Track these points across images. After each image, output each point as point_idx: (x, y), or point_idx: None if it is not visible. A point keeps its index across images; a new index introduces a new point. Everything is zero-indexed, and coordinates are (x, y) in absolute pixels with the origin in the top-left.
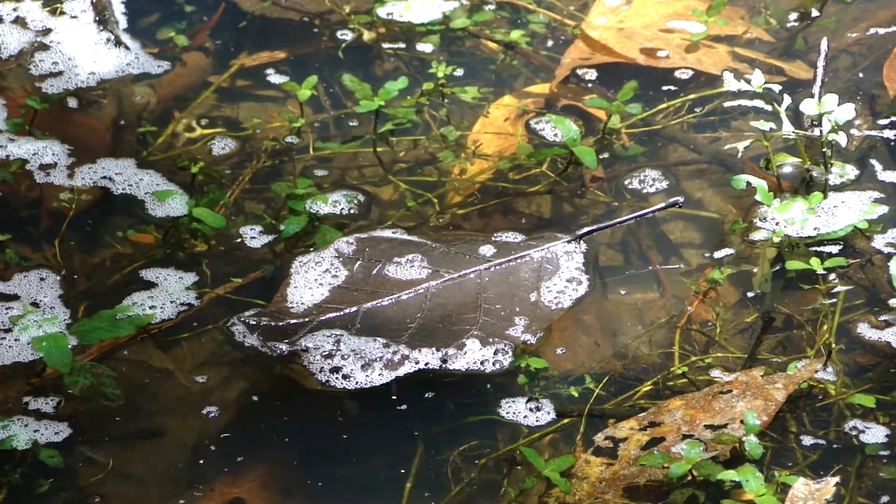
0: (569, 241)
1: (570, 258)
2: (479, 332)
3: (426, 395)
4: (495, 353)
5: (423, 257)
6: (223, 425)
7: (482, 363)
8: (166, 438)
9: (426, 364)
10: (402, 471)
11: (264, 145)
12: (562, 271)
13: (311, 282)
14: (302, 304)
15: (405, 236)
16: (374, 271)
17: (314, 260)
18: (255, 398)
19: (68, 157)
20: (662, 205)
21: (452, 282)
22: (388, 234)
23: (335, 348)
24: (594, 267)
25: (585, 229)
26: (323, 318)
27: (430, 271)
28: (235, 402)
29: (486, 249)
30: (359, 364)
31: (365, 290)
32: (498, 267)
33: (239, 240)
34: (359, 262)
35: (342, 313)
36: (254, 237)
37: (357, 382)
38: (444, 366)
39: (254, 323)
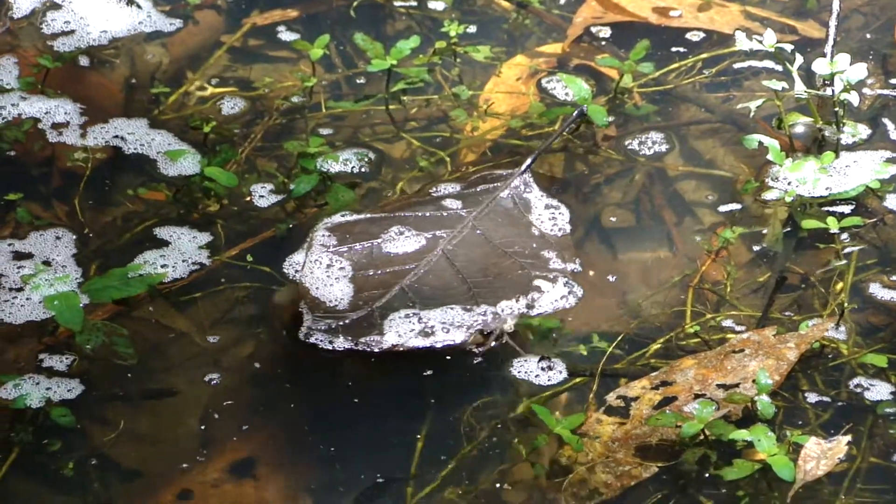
0: (521, 174)
1: (530, 189)
2: (536, 272)
3: (438, 356)
4: (566, 286)
5: (403, 227)
6: (234, 385)
7: (563, 298)
8: (177, 398)
9: (519, 311)
10: (414, 430)
11: (276, 104)
12: (534, 201)
13: (326, 280)
14: (341, 299)
15: (367, 215)
16: (374, 254)
17: (310, 260)
18: (266, 359)
19: (80, 116)
20: (572, 117)
21: (456, 239)
22: (351, 218)
23: (425, 325)
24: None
25: (529, 160)
26: (378, 304)
27: (426, 236)
28: (247, 363)
29: (452, 203)
30: (462, 331)
31: (385, 270)
32: (481, 213)
33: (249, 198)
34: (352, 249)
35: (391, 295)
36: (262, 196)
37: (475, 348)
38: (530, 311)
39: (328, 327)
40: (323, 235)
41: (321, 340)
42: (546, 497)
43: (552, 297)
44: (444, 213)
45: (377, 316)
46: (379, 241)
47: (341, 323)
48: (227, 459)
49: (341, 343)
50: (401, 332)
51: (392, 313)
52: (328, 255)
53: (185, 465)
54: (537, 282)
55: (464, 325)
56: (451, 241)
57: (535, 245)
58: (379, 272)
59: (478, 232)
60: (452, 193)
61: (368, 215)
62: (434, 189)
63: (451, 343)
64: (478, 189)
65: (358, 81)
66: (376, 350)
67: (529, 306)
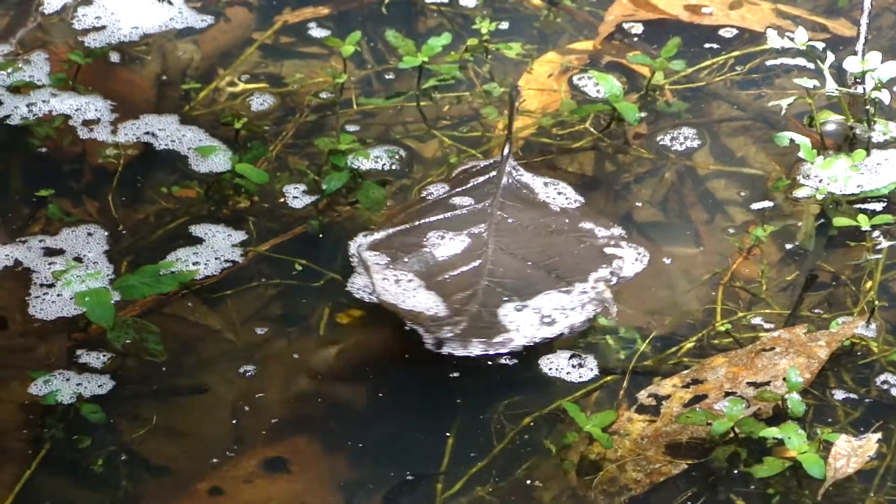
0: (505, 160)
1: (521, 172)
2: (598, 241)
3: (466, 354)
4: (631, 247)
5: (439, 231)
6: (265, 382)
7: (637, 261)
8: (208, 395)
9: (611, 280)
10: (445, 427)
11: (307, 101)
12: (532, 182)
13: (406, 294)
14: (437, 306)
15: (393, 229)
16: (431, 261)
17: (377, 280)
18: (296, 356)
19: (111, 113)
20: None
21: (495, 230)
22: (380, 235)
23: (541, 315)
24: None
25: (507, 146)
26: (477, 303)
27: (466, 234)
28: (278, 360)
29: (461, 200)
30: (578, 312)
31: (453, 273)
32: (497, 204)
33: (282, 199)
34: (408, 262)
35: (482, 292)
36: (297, 197)
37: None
38: (618, 278)
39: (452, 333)
40: (373, 255)
41: (454, 348)
42: (576, 494)
43: (629, 260)
44: (464, 211)
45: (486, 315)
46: (426, 248)
47: (459, 329)
48: (258, 456)
49: (475, 348)
50: (523, 325)
51: (498, 309)
52: (390, 272)
53: (215, 462)
54: (608, 250)
55: (576, 305)
56: (493, 234)
57: (567, 220)
58: (449, 276)
59: (509, 220)
60: (452, 192)
61: (395, 229)
62: (427, 193)
63: (575, 326)
64: (473, 184)
65: (388, 78)
66: (509, 350)
67: (615, 273)
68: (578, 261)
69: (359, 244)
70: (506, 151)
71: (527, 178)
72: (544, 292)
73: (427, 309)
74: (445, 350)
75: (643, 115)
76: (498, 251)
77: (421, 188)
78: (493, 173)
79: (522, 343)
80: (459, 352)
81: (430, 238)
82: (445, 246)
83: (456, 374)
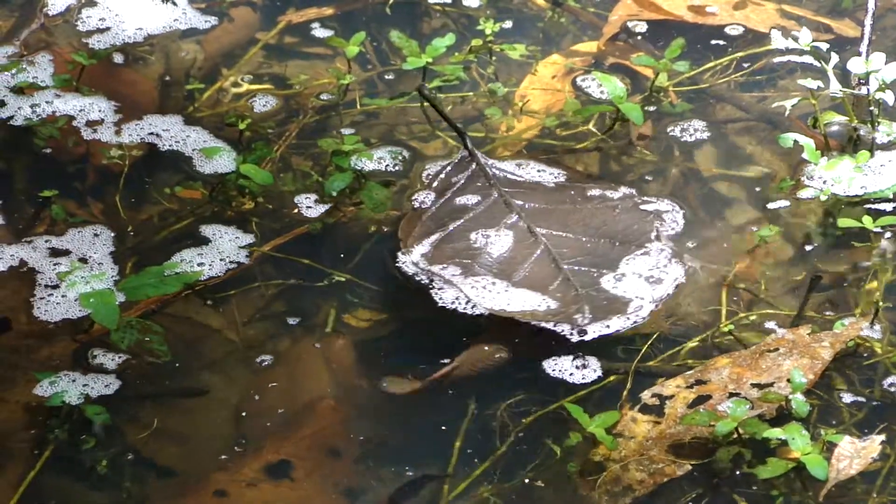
0: (470, 157)
1: (495, 162)
2: (639, 212)
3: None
4: (668, 215)
5: (479, 230)
6: (269, 384)
7: (676, 224)
8: (212, 396)
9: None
10: (451, 428)
11: (311, 101)
12: (513, 169)
13: (506, 297)
14: (545, 302)
15: (433, 238)
16: (497, 259)
17: (467, 291)
18: (301, 357)
19: (115, 114)
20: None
21: (530, 219)
22: (424, 248)
23: (641, 276)
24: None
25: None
26: (583, 288)
27: (505, 227)
28: (282, 361)
29: (467, 200)
30: (671, 280)
31: (528, 266)
32: (505, 195)
33: (295, 209)
34: (475, 267)
35: (574, 276)
36: (310, 206)
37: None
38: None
39: (588, 318)
40: (442, 268)
41: (597, 330)
42: (580, 494)
43: (675, 226)
44: (480, 207)
45: (595, 293)
46: (480, 248)
47: (587, 313)
48: (262, 460)
49: (615, 323)
50: (638, 291)
51: (600, 284)
52: (471, 280)
53: (219, 464)
54: (643, 207)
55: (664, 262)
56: (530, 221)
57: (574, 192)
58: (525, 270)
59: (528, 205)
60: (449, 195)
61: (433, 238)
62: (420, 202)
63: (679, 279)
64: (459, 182)
65: (392, 79)
66: (646, 314)
67: (669, 226)
68: (636, 235)
69: (415, 261)
70: (469, 144)
71: (505, 165)
72: (624, 259)
73: (538, 306)
74: (590, 335)
75: (650, 110)
76: (550, 235)
77: (409, 198)
78: (470, 169)
79: (652, 306)
80: (604, 332)
81: (475, 239)
82: (495, 244)
83: (462, 375)
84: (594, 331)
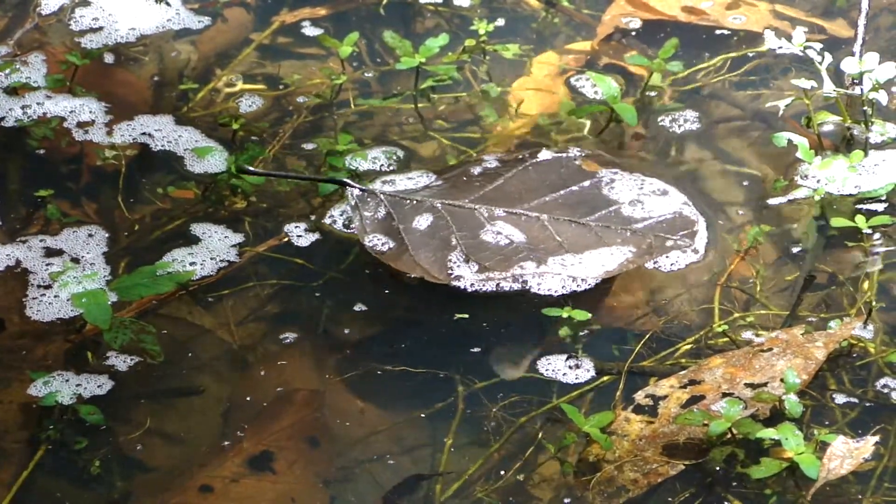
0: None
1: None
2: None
3: (464, 349)
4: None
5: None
6: (259, 383)
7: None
8: (203, 396)
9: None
10: (443, 427)
11: (305, 102)
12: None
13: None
14: (623, 258)
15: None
16: (527, 247)
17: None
18: (293, 356)
19: (106, 115)
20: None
21: (560, 203)
22: (465, 270)
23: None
24: None
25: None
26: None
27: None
28: (274, 361)
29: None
30: (695, 235)
31: (557, 239)
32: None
33: (287, 238)
34: (512, 263)
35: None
36: (300, 235)
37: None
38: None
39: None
40: (502, 274)
41: (691, 243)
42: (573, 494)
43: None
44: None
45: (646, 226)
46: (511, 243)
47: (669, 237)
48: (247, 454)
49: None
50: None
51: (634, 213)
52: (543, 268)
53: (207, 461)
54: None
55: (688, 225)
56: (554, 213)
57: (565, 177)
58: (567, 240)
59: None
60: (400, 233)
61: (455, 258)
62: (373, 244)
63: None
64: (383, 215)
65: (386, 79)
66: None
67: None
68: (570, 178)
69: (472, 280)
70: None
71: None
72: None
73: (624, 256)
74: (700, 250)
75: (644, 110)
76: (553, 222)
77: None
78: (380, 201)
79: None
80: (694, 244)
81: (495, 239)
82: (512, 235)
83: (455, 373)
84: (693, 244)
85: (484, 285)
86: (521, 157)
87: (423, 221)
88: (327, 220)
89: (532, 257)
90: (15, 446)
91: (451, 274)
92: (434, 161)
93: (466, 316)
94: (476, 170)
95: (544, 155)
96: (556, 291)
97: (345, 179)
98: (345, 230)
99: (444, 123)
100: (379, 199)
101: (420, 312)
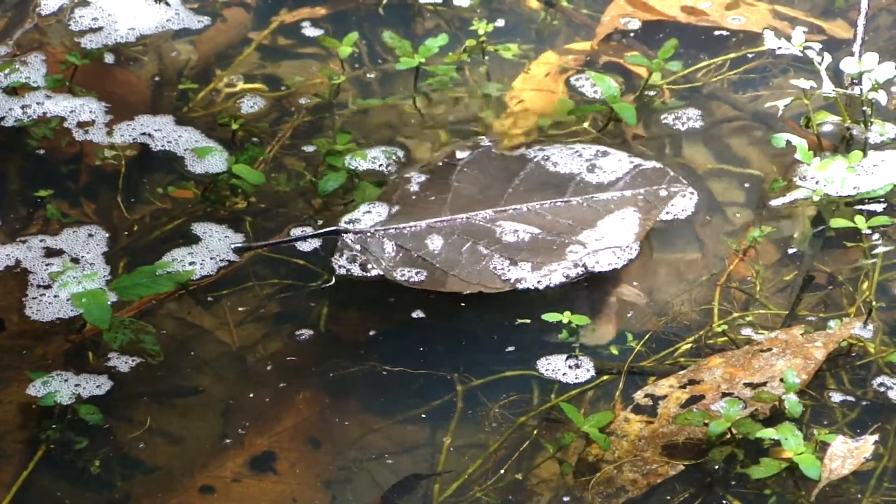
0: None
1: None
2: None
3: (464, 347)
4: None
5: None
6: (260, 382)
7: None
8: (203, 396)
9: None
10: (442, 427)
11: (304, 102)
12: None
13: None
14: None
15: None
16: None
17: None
18: (292, 356)
19: (106, 115)
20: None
21: (525, 191)
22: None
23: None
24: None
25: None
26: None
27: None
28: (273, 360)
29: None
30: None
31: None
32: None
33: (283, 205)
34: (566, 257)
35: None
36: (304, 245)
37: None
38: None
39: None
40: (560, 266)
41: None
42: (573, 494)
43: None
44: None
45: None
46: (568, 240)
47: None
48: (248, 455)
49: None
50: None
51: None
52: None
53: (207, 461)
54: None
55: (662, 174)
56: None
57: (504, 168)
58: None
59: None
60: (412, 253)
61: (502, 266)
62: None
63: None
64: (402, 211)
65: (385, 80)
66: None
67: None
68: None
69: (532, 282)
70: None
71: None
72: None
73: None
74: None
75: (643, 109)
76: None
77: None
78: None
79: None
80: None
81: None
82: (513, 232)
83: (452, 372)
84: (687, 187)
85: (549, 280)
86: (441, 164)
87: (436, 242)
88: (342, 272)
89: (568, 241)
90: (15, 446)
91: (509, 279)
92: (434, 161)
93: (466, 316)
94: (413, 188)
95: (461, 155)
96: (612, 265)
97: (340, 227)
98: (366, 274)
99: (444, 123)
100: (378, 237)
101: (420, 313)
